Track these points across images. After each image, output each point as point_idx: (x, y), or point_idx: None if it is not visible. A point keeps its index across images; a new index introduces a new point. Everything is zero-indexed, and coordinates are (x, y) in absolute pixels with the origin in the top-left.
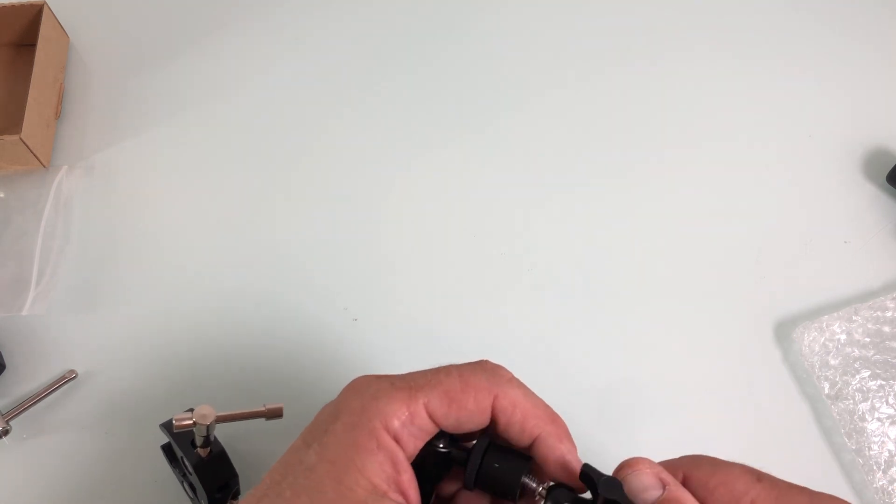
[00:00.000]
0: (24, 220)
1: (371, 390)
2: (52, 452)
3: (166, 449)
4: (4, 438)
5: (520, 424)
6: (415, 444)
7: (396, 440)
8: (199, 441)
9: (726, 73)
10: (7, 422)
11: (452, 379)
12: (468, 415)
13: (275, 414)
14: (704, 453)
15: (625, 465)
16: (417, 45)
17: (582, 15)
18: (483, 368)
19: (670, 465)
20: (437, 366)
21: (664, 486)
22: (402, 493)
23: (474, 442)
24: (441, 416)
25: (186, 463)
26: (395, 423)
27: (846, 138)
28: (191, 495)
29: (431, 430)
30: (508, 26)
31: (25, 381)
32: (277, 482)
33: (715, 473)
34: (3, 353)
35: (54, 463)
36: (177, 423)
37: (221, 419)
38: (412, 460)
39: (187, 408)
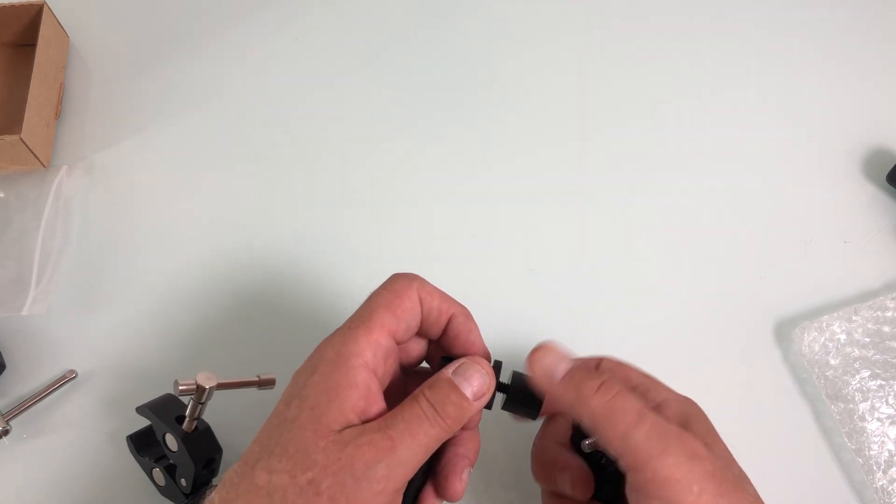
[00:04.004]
0: (24, 220)
1: (336, 341)
2: (52, 452)
3: (136, 438)
4: (4, 438)
5: (437, 308)
6: (386, 367)
7: (374, 371)
8: (192, 411)
9: (727, 72)
10: (7, 422)
11: (384, 296)
12: (412, 314)
13: (267, 383)
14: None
15: (534, 350)
16: (417, 43)
17: (583, 11)
18: (398, 277)
19: (588, 358)
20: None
21: (571, 360)
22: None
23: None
24: (395, 327)
25: (170, 441)
26: (369, 355)
27: (846, 138)
28: (162, 484)
29: (394, 348)
30: (513, 22)
31: (25, 381)
32: (266, 445)
33: (619, 368)
34: (3, 353)
35: (54, 463)
36: (183, 386)
37: (221, 385)
38: (387, 383)
39: (177, 399)
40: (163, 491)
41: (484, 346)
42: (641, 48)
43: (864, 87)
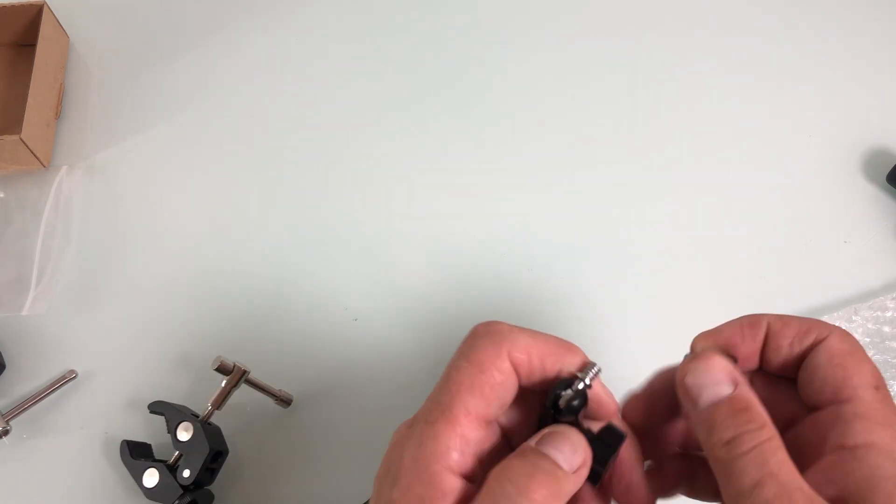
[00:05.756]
0: (24, 220)
1: (413, 441)
2: (52, 452)
3: (131, 444)
4: (4, 438)
5: (540, 369)
6: (473, 455)
7: (464, 473)
8: (219, 397)
9: (727, 73)
10: (7, 422)
11: (465, 371)
12: (504, 388)
13: (284, 401)
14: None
15: (695, 357)
16: (421, 41)
17: (583, 16)
18: (480, 340)
19: (751, 322)
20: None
21: (735, 384)
22: None
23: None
24: (485, 411)
25: (183, 431)
26: (455, 456)
27: (846, 138)
28: (151, 486)
29: (482, 431)
30: (514, 18)
31: (25, 381)
32: None
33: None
34: (3, 353)
35: (54, 463)
36: (223, 361)
37: (250, 381)
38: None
39: (186, 406)
40: (150, 494)
41: (614, 401)
42: (640, 51)
43: (863, 87)
